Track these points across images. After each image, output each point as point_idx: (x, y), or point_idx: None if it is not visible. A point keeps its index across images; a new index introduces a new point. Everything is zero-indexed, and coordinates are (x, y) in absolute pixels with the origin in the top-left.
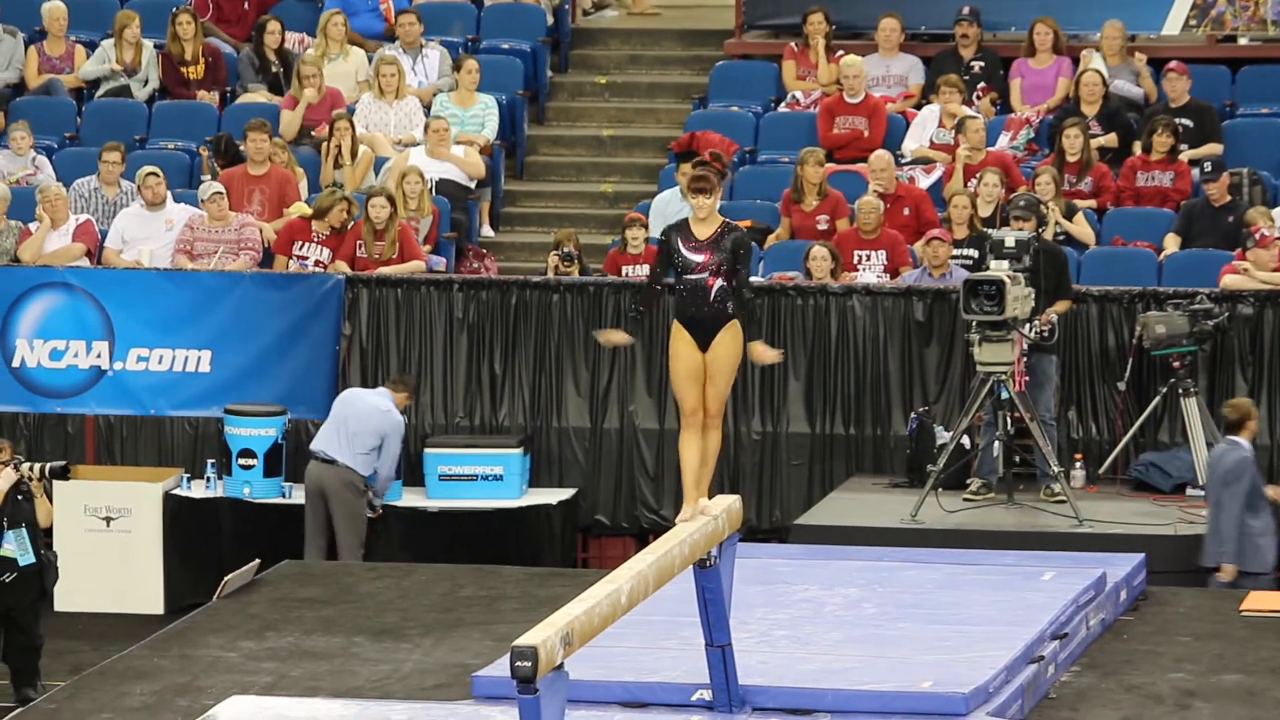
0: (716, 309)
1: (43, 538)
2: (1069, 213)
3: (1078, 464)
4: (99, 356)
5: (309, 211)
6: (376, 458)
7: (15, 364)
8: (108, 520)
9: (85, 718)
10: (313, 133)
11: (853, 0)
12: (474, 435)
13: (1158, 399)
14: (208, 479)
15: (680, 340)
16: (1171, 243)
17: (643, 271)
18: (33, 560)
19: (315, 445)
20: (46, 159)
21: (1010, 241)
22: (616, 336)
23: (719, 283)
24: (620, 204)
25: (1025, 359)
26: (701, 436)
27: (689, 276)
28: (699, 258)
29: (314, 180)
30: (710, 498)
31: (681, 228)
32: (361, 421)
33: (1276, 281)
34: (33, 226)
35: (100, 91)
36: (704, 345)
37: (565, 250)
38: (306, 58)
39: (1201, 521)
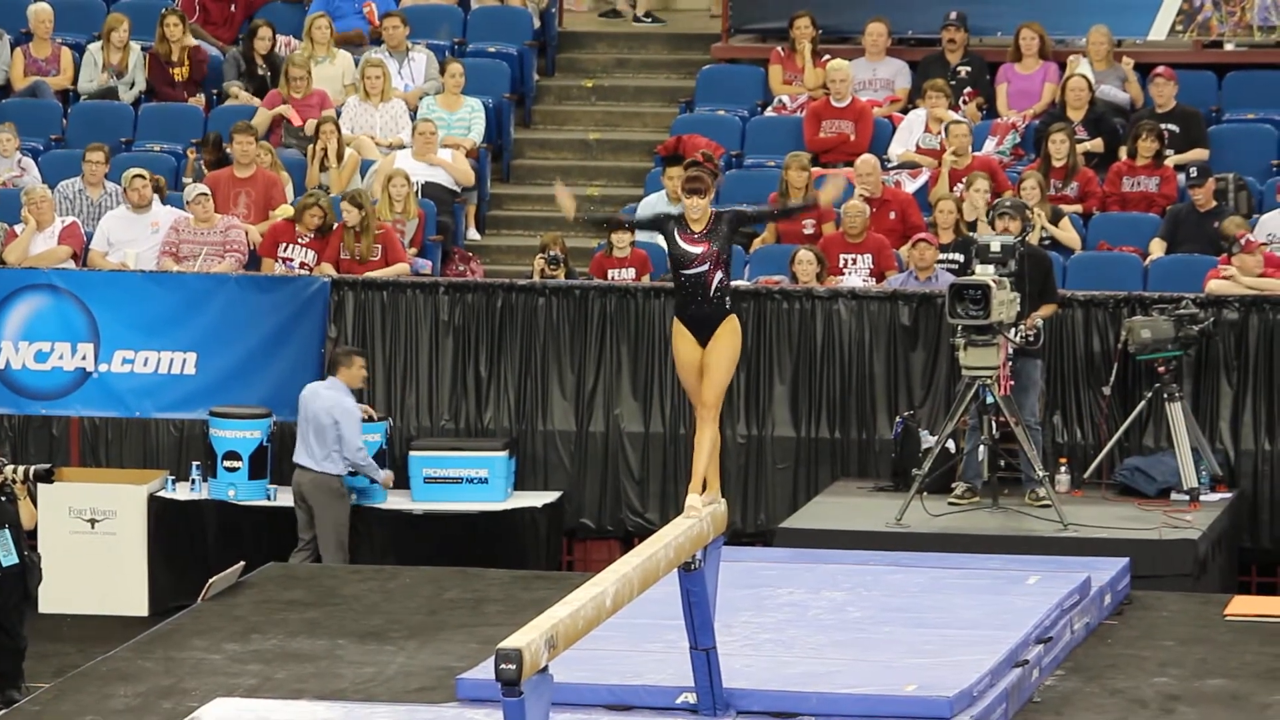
0: (716, 305)
1: (26, 539)
2: (1055, 217)
3: (1062, 468)
4: (84, 358)
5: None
6: None
7: (0, 366)
8: (92, 522)
9: None
10: (301, 131)
11: (840, 4)
12: (459, 438)
13: (1143, 404)
14: (193, 481)
15: (681, 338)
16: (1157, 248)
17: (629, 275)
18: (16, 562)
19: (295, 454)
20: (32, 161)
21: (996, 246)
22: (567, 200)
23: (719, 275)
24: (606, 207)
25: (1010, 363)
26: (699, 429)
27: (688, 271)
28: (697, 250)
29: (300, 183)
30: (715, 491)
31: (679, 220)
32: (318, 419)
33: (1261, 287)
34: (18, 229)
35: (86, 94)
36: (704, 342)
37: (551, 253)
38: (294, 59)
39: (1187, 525)
